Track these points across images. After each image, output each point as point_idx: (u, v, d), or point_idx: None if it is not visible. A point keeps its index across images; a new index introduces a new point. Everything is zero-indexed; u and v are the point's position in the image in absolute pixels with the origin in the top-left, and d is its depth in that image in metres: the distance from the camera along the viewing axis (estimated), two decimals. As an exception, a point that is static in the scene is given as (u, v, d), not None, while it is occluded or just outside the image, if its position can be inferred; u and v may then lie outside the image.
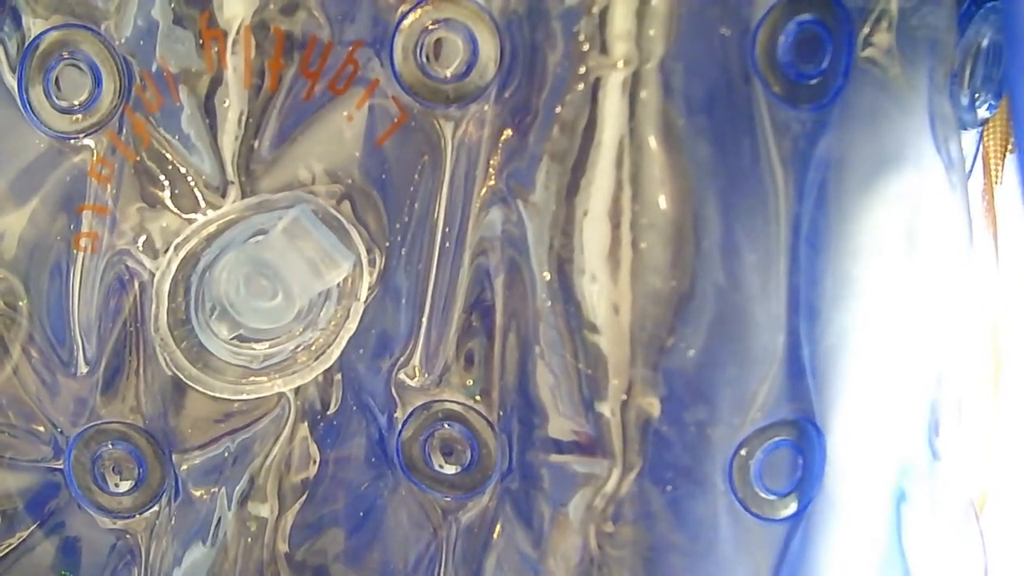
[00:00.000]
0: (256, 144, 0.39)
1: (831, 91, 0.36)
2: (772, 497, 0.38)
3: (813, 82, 0.36)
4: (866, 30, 0.36)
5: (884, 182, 0.37)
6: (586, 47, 0.35)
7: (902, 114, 0.37)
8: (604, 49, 0.35)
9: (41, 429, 0.41)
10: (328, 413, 0.41)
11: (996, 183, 0.43)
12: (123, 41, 0.38)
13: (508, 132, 0.37)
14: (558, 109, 0.36)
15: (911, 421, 0.38)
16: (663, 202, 0.35)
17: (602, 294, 0.36)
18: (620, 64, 0.35)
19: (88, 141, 0.39)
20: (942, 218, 0.38)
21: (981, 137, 0.43)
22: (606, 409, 0.37)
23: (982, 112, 0.42)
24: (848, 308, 0.37)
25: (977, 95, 0.42)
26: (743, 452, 0.37)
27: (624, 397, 0.36)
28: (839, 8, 0.36)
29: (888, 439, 0.38)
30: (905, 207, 0.37)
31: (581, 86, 0.35)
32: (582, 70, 0.35)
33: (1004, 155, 0.43)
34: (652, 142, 0.35)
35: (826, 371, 0.37)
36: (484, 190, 0.38)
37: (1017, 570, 0.44)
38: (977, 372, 0.44)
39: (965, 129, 0.42)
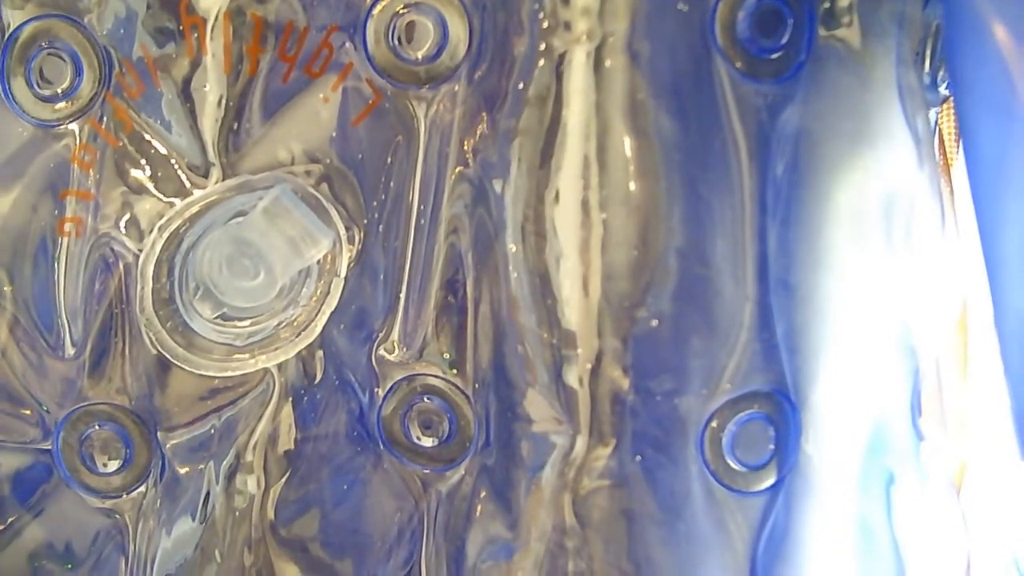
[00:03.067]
0: (236, 127, 0.39)
1: (793, 66, 0.37)
2: (745, 470, 0.39)
3: (774, 57, 0.36)
4: (827, 4, 0.37)
5: (854, 156, 0.37)
6: (551, 24, 0.36)
7: (869, 89, 0.37)
8: (568, 25, 0.36)
9: (28, 413, 0.41)
10: (311, 389, 0.41)
11: (951, 163, 0.43)
12: (104, 32, 0.39)
13: (479, 111, 0.38)
14: (523, 86, 0.36)
15: (891, 399, 0.39)
16: (629, 176, 0.36)
17: (571, 268, 0.36)
18: (583, 39, 0.35)
19: (70, 128, 0.39)
20: (914, 192, 0.38)
21: (938, 116, 0.43)
22: (574, 380, 0.37)
23: (943, 90, 0.42)
24: (822, 283, 0.38)
25: (939, 73, 0.42)
26: (714, 424, 0.38)
27: (591, 366, 0.37)
28: (799, -17, 0.36)
29: (869, 415, 0.38)
30: (878, 181, 0.38)
31: (547, 63, 0.36)
32: (547, 47, 0.36)
33: (958, 135, 0.43)
34: (617, 117, 0.35)
35: (801, 345, 0.38)
36: (456, 169, 0.38)
37: (994, 546, 0.44)
38: (951, 348, 0.44)
39: (928, 107, 0.42)
